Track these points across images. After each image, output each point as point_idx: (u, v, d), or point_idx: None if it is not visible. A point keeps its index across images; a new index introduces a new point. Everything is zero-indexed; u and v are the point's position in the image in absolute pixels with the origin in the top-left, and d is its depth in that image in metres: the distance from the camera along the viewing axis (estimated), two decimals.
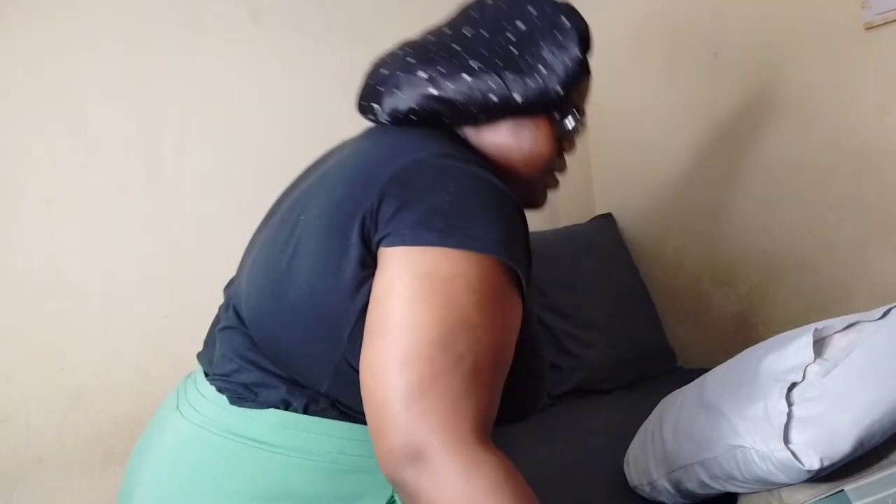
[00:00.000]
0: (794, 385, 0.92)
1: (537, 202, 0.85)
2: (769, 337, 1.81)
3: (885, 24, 1.44)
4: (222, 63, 1.53)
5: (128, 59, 1.41)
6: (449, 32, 0.79)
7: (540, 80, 0.74)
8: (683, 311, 1.97)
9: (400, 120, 0.76)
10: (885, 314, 0.95)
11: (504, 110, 0.74)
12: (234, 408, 0.70)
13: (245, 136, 1.56)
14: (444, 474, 0.56)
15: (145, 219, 1.43)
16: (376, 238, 0.64)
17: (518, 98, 0.73)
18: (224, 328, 0.75)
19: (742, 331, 1.82)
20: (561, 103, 0.76)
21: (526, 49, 0.74)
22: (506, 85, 0.73)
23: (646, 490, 1.10)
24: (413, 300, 0.60)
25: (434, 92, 0.73)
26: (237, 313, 0.74)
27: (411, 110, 0.74)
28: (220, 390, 0.72)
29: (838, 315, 1.63)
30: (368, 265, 0.65)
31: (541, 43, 0.75)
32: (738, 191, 1.79)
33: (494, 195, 0.66)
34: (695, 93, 1.84)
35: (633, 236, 2.07)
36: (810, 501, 0.92)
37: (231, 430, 0.69)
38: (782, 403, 0.90)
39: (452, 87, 0.73)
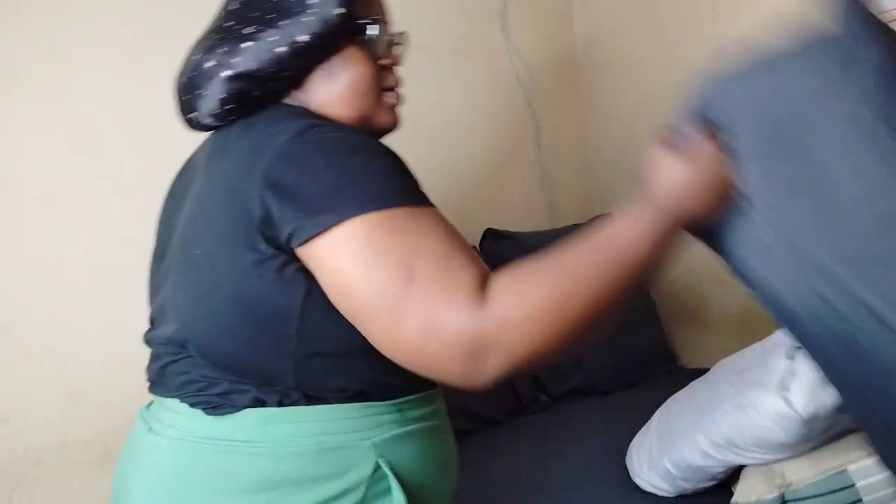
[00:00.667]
0: (798, 348, 0.93)
1: (390, 125, 0.84)
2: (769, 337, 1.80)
3: None
4: None
5: (127, 58, 1.42)
6: (221, 15, 0.81)
7: (315, 11, 0.73)
8: (684, 311, 1.97)
9: (222, 116, 0.76)
10: None
11: (301, 57, 0.75)
12: (212, 417, 0.72)
13: None
14: (505, 344, 0.62)
15: (145, 219, 1.41)
16: (283, 239, 0.66)
17: (303, 38, 0.73)
18: (176, 360, 0.76)
19: (743, 331, 1.82)
20: (350, 23, 0.76)
21: None
22: (285, 32, 0.73)
23: (648, 478, 1.09)
24: (363, 277, 0.64)
25: (228, 73, 0.74)
26: (185, 347, 0.75)
27: (223, 101, 0.75)
28: (193, 405, 0.73)
29: None
30: (289, 262, 0.67)
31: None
32: None
33: (356, 148, 0.70)
34: None
35: None
36: (813, 480, 0.92)
37: (213, 437, 0.71)
38: (784, 361, 0.92)
39: (240, 59, 0.74)
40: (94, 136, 1.37)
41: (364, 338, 0.67)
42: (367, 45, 0.79)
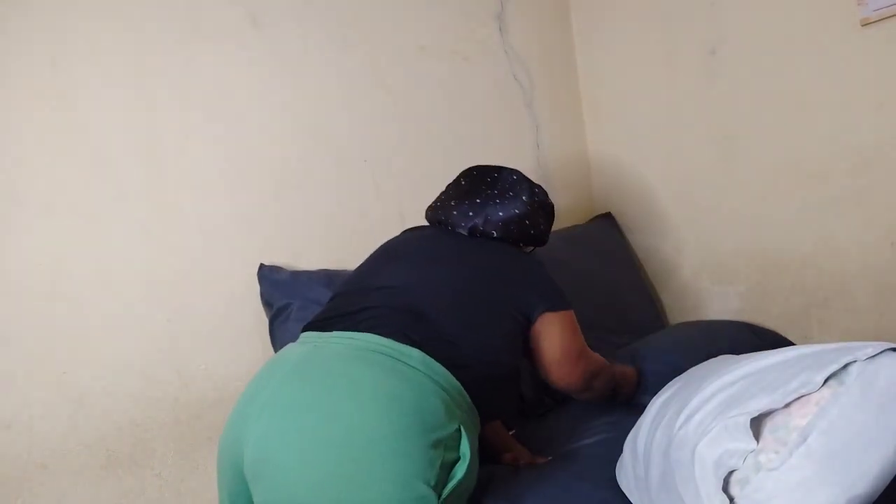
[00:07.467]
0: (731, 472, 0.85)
1: None
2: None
3: (881, 20, 1.45)
4: (222, 67, 1.54)
5: (127, 65, 1.42)
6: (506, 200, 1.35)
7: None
8: (684, 309, 1.97)
9: (489, 235, 1.30)
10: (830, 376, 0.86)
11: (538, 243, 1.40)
12: (418, 351, 1.06)
13: (245, 140, 1.57)
14: (593, 383, 1.30)
15: (146, 224, 1.43)
16: (534, 313, 1.21)
17: (544, 238, 1.40)
18: (390, 316, 1.12)
19: None
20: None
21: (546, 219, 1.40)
22: (544, 233, 1.40)
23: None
24: (567, 341, 1.24)
25: (520, 227, 1.33)
26: (413, 312, 1.12)
27: (504, 232, 1.31)
28: (414, 344, 1.07)
29: (838, 311, 1.64)
30: (520, 326, 1.21)
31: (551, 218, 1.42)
32: (737, 188, 1.79)
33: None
34: (692, 91, 1.85)
35: (632, 235, 2.08)
36: None
37: (421, 365, 1.04)
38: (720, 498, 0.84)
39: (530, 227, 1.35)
40: (95, 143, 1.38)
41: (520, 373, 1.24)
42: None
